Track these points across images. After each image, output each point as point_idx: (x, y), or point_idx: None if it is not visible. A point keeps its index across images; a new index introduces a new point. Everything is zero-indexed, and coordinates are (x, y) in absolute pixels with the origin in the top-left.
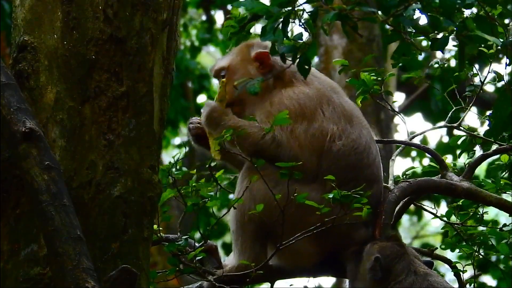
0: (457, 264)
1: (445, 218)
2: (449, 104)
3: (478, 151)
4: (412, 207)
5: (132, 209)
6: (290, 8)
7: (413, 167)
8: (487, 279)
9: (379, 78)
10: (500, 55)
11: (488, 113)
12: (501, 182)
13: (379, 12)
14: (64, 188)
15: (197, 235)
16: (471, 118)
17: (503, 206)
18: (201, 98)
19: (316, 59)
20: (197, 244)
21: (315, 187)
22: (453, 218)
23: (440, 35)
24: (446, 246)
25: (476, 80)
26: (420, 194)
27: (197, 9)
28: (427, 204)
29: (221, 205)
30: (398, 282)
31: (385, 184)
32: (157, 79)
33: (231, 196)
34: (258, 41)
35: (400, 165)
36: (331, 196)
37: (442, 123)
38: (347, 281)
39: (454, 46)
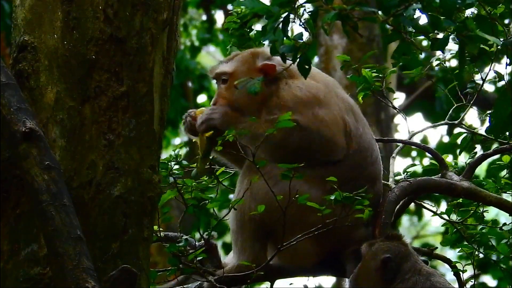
0: (457, 264)
1: (445, 216)
2: (451, 104)
3: (479, 150)
4: (412, 207)
5: (132, 209)
6: (290, 7)
7: (414, 164)
8: (487, 279)
9: (380, 75)
10: (500, 55)
11: (488, 112)
12: (502, 181)
13: (379, 12)
14: (64, 188)
15: (198, 234)
16: (472, 117)
17: (503, 206)
18: (201, 98)
19: (316, 59)
20: (197, 244)
21: (317, 185)
22: (453, 217)
23: (440, 35)
24: (446, 243)
25: (477, 77)
26: (420, 193)
27: (197, 9)
28: (427, 203)
29: (221, 205)
30: (402, 281)
31: (385, 182)
32: (157, 79)
33: (231, 196)
34: (264, 50)
35: (400, 165)
36: (333, 197)
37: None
38: (347, 281)
39: (455, 43)
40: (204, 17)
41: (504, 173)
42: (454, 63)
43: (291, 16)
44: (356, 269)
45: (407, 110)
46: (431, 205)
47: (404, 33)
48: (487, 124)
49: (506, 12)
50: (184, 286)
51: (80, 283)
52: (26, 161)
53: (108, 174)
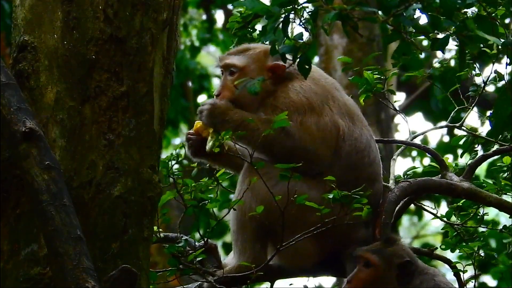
0: (457, 264)
1: (445, 219)
2: (450, 104)
3: (479, 151)
4: (412, 207)
5: (132, 209)
6: (290, 8)
7: (414, 167)
8: (487, 279)
9: (381, 77)
10: (500, 55)
11: (488, 113)
12: (502, 182)
13: (380, 12)
14: (64, 188)
15: (198, 234)
16: (472, 118)
17: (503, 207)
18: (201, 98)
19: (316, 59)
20: (197, 244)
21: (317, 186)
22: (453, 219)
23: (440, 35)
24: (446, 247)
25: (478, 80)
26: (420, 194)
27: (197, 9)
28: (427, 204)
29: (221, 205)
30: (410, 282)
31: (386, 184)
32: (157, 79)
33: (231, 196)
34: None
35: (400, 165)
36: (331, 196)
37: (443, 123)
38: (345, 281)
39: (455, 45)
40: (204, 17)
41: (504, 174)
42: (454, 63)
43: (291, 16)
44: (354, 275)
45: (407, 109)
46: (431, 208)
47: (404, 33)
48: (487, 124)
49: (506, 13)
50: (184, 286)
51: (80, 283)
52: (26, 161)
53: (108, 174)
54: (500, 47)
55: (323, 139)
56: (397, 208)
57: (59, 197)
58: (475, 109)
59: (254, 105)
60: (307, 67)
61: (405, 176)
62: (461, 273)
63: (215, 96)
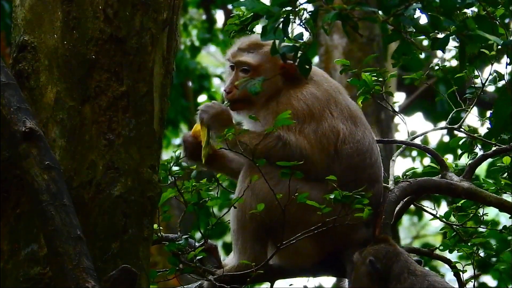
0: (457, 264)
1: (444, 219)
2: (452, 104)
3: (479, 151)
4: (412, 207)
5: (132, 209)
6: (290, 8)
7: (413, 168)
8: (487, 279)
9: (380, 79)
10: (500, 55)
11: (488, 113)
12: (502, 182)
13: (380, 12)
14: (64, 188)
15: (198, 234)
16: (472, 118)
17: (503, 206)
18: (201, 98)
19: (316, 59)
20: (197, 244)
21: (318, 186)
22: (453, 219)
23: (440, 35)
24: (444, 247)
25: (477, 81)
26: (420, 194)
27: (197, 9)
28: (427, 205)
29: (222, 205)
30: (398, 281)
31: (385, 184)
32: (157, 79)
33: (231, 196)
34: None
35: (400, 165)
36: (332, 196)
37: (443, 123)
38: (347, 281)
39: (455, 47)
40: (204, 17)
41: (504, 174)
42: (454, 63)
43: (291, 16)
44: (352, 278)
45: (407, 109)
46: (430, 208)
47: (404, 33)
48: (487, 125)
49: (506, 13)
50: (184, 286)
51: (80, 283)
52: (26, 161)
53: (108, 174)
54: (500, 47)
55: (321, 146)
56: (398, 208)
57: (59, 197)
58: (474, 110)
59: (261, 100)
60: (307, 67)
61: (404, 177)
62: (461, 273)
63: (225, 92)
